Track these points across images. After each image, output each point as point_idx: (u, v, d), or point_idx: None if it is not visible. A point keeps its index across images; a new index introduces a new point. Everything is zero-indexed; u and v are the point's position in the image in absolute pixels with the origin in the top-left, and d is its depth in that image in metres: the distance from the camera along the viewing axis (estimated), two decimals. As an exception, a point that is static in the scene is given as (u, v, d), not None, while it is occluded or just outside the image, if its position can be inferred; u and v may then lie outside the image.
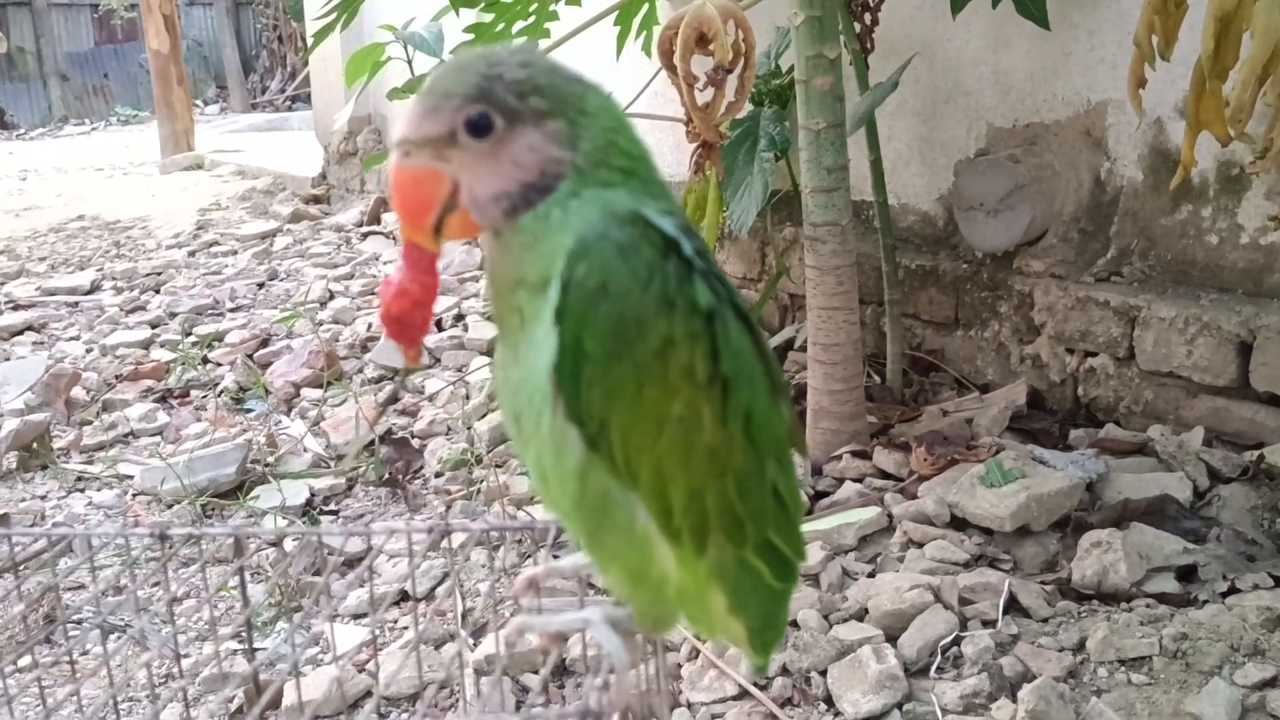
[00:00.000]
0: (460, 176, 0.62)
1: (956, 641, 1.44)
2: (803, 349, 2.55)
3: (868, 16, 2.31)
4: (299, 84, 13.77)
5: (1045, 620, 1.49)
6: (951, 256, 2.42)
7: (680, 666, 1.51)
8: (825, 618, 1.55)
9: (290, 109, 13.16)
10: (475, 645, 1.65)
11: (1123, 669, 1.35)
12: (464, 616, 1.74)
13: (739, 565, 0.67)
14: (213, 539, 1.93)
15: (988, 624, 1.47)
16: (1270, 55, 1.50)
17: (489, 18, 2.62)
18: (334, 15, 2.47)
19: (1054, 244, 2.21)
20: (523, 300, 0.64)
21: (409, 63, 4.27)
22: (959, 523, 1.74)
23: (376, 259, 4.13)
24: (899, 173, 2.48)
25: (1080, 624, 1.45)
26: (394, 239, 4.52)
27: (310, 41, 2.55)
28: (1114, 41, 2.07)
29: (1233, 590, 1.50)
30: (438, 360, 2.94)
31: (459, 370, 2.85)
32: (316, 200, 5.47)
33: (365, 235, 4.55)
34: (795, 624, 1.55)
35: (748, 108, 2.27)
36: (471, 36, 2.63)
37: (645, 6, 2.95)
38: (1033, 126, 2.25)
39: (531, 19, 2.70)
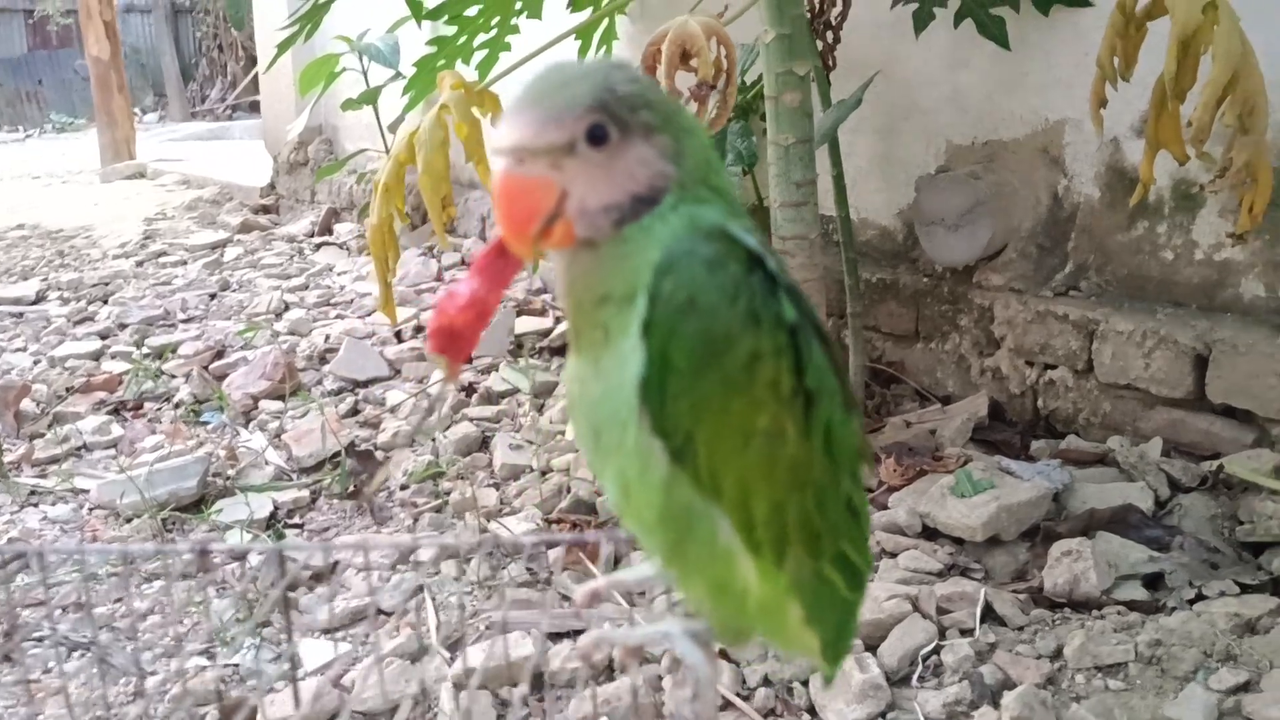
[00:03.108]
0: (572, 186, 0.62)
1: (936, 650, 1.46)
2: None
3: (830, 35, 2.35)
4: (240, 93, 13.61)
5: (1021, 628, 1.51)
6: (911, 270, 2.46)
7: (661, 679, 1.52)
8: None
9: (231, 118, 12.99)
10: (452, 660, 1.64)
11: (1100, 675, 1.38)
12: (438, 630, 1.73)
13: (815, 577, 0.68)
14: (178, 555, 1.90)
15: (965, 633, 1.50)
16: (1230, 77, 1.55)
17: (451, 30, 2.62)
18: (297, 26, 2.44)
19: (1013, 259, 2.25)
20: (609, 314, 0.64)
21: (364, 74, 4.26)
22: (930, 533, 1.76)
23: (330, 270, 4.09)
24: (859, 188, 2.51)
25: (1055, 631, 1.48)
26: (346, 249, 4.48)
27: (275, 52, 2.52)
28: (1070, 62, 2.12)
29: (1200, 597, 1.54)
30: (398, 372, 2.92)
31: (420, 382, 2.83)
32: (266, 210, 5.40)
33: (318, 246, 4.51)
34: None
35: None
36: (434, 49, 2.63)
37: (605, 23, 2.97)
38: (991, 144, 2.29)
39: (493, 32, 2.69)
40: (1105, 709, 1.31)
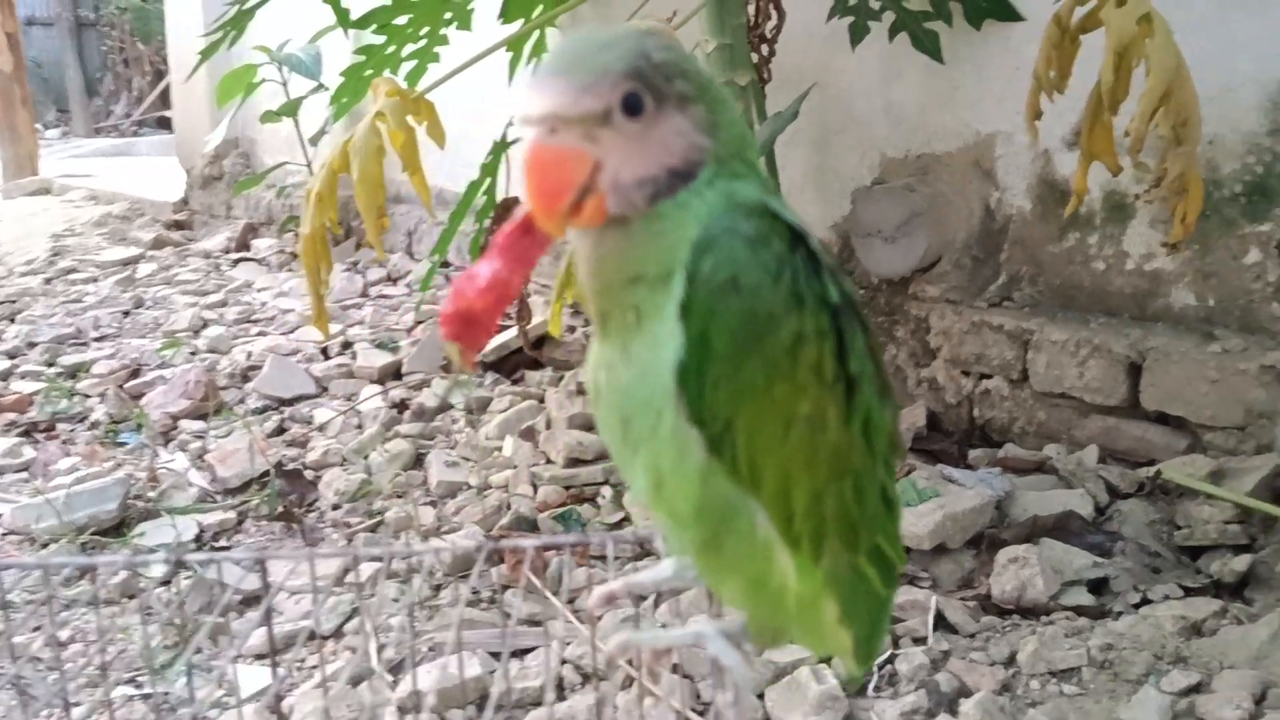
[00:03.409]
0: (607, 158, 0.59)
1: (891, 659, 1.45)
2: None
3: (765, 47, 2.35)
4: (147, 108, 13.25)
5: (973, 636, 1.51)
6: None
7: (615, 695, 1.49)
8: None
9: (137, 134, 12.63)
10: (395, 682, 1.59)
11: (1054, 681, 1.38)
12: (380, 652, 1.67)
13: (852, 572, 0.65)
14: (100, 576, 1.82)
15: (918, 641, 1.49)
16: (1165, 89, 1.58)
17: (380, 40, 2.57)
18: (220, 33, 2.38)
19: (948, 270, 2.28)
20: (641, 296, 0.61)
21: (284, 85, 4.17)
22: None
23: (250, 286, 3.98)
24: (794, 200, 2.52)
25: (1007, 638, 1.49)
26: (266, 265, 4.37)
27: (194, 61, 2.45)
28: (1002, 76, 2.15)
29: (1145, 601, 1.56)
30: (325, 389, 2.85)
31: (349, 399, 2.76)
32: (179, 226, 5.25)
33: (236, 262, 4.39)
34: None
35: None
36: (363, 59, 2.58)
37: (536, 35, 2.95)
38: (924, 157, 2.32)
39: (422, 42, 2.66)
40: (1061, 714, 1.32)
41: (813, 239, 0.62)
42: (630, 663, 1.54)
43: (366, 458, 2.38)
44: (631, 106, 0.58)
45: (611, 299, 0.62)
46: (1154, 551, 1.70)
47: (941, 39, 2.17)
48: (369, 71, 2.60)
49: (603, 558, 1.90)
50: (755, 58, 2.28)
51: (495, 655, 1.62)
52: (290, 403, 2.76)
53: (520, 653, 1.62)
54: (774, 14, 2.26)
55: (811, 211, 2.53)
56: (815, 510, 0.63)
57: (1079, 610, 1.55)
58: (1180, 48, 1.57)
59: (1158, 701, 1.28)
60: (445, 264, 3.93)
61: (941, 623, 1.54)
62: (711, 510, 0.63)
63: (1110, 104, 1.67)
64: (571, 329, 2.99)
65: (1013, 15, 2.08)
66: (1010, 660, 1.44)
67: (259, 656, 1.72)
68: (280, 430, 2.59)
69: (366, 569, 1.90)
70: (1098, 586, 1.63)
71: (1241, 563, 1.59)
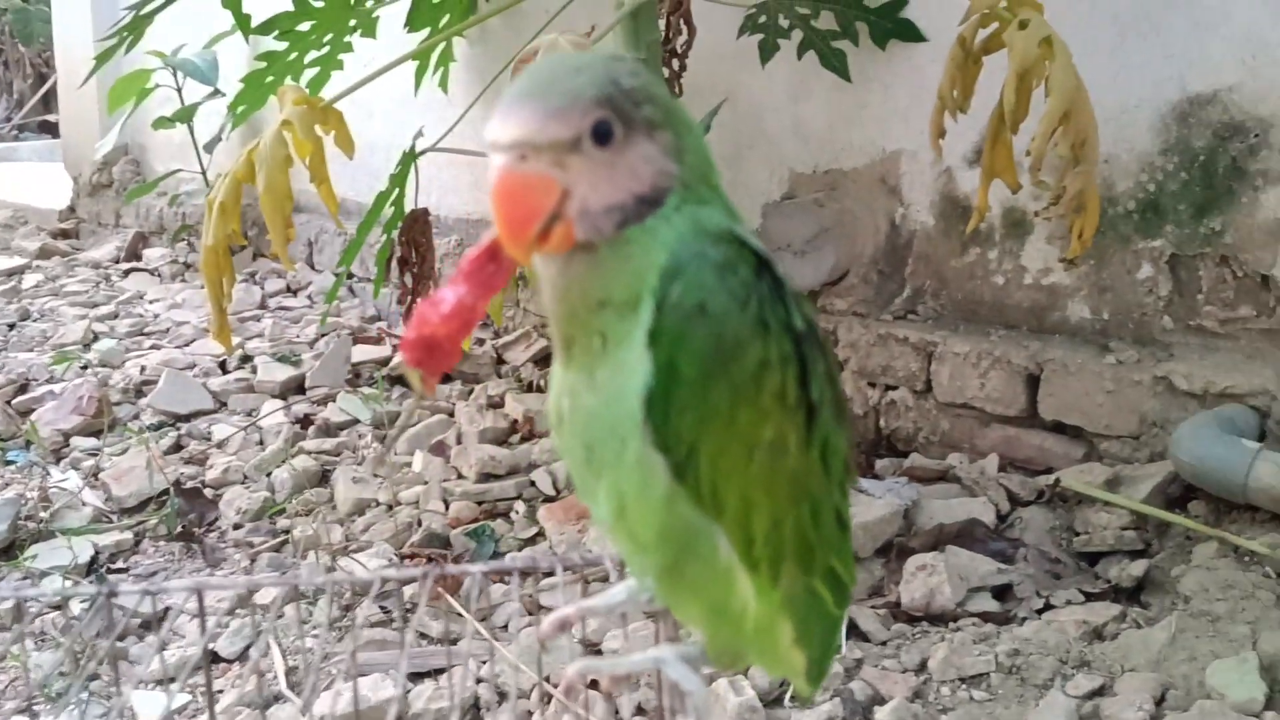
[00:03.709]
0: (575, 185, 0.58)
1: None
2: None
3: (676, 63, 2.37)
4: (28, 112, 12.76)
5: (884, 643, 1.54)
6: (757, 296, 2.49)
7: (530, 715, 1.47)
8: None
9: (18, 139, 12.15)
10: (305, 707, 1.55)
11: (964, 687, 1.41)
12: (287, 675, 1.63)
13: (807, 594, 0.66)
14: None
15: (833, 650, 1.51)
16: (1065, 110, 1.64)
17: (282, 46, 2.53)
18: (117, 38, 2.30)
19: (855, 284, 2.32)
20: (608, 321, 0.60)
21: (179, 91, 4.06)
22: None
23: (142, 298, 3.86)
24: (705, 214, 2.54)
25: (918, 645, 1.52)
26: (158, 275, 4.24)
27: (89, 65, 2.36)
28: (907, 94, 2.21)
29: (1048, 606, 1.60)
30: (224, 404, 2.77)
31: (249, 414, 2.69)
32: (66, 235, 5.06)
33: (127, 273, 4.24)
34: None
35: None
36: (264, 65, 2.53)
37: (442, 44, 2.93)
38: (832, 173, 2.36)
39: (326, 49, 2.62)
40: (972, 719, 1.34)
41: (777, 266, 0.62)
42: (548, 679, 1.53)
43: (268, 475, 2.32)
44: (601, 134, 0.58)
45: (577, 324, 0.62)
46: (1054, 558, 1.75)
47: (848, 58, 2.21)
48: (270, 78, 2.55)
49: (520, 573, 1.88)
50: (666, 73, 2.30)
51: (412, 676, 1.59)
52: (187, 418, 2.67)
53: (436, 673, 1.60)
54: (685, 30, 2.27)
55: (720, 225, 2.56)
56: (775, 534, 0.63)
57: (985, 616, 1.59)
58: (1079, 70, 1.62)
59: (1064, 705, 1.31)
60: (350, 275, 3.87)
61: (853, 630, 1.56)
62: (675, 535, 0.63)
63: (1011, 124, 1.72)
64: (480, 341, 2.97)
65: (917, 36, 2.14)
66: (921, 667, 1.47)
67: (159, 682, 1.67)
68: (177, 447, 2.51)
69: (273, 590, 1.86)
70: (1002, 593, 1.68)
71: (1138, 568, 1.65)
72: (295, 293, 3.85)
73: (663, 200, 0.61)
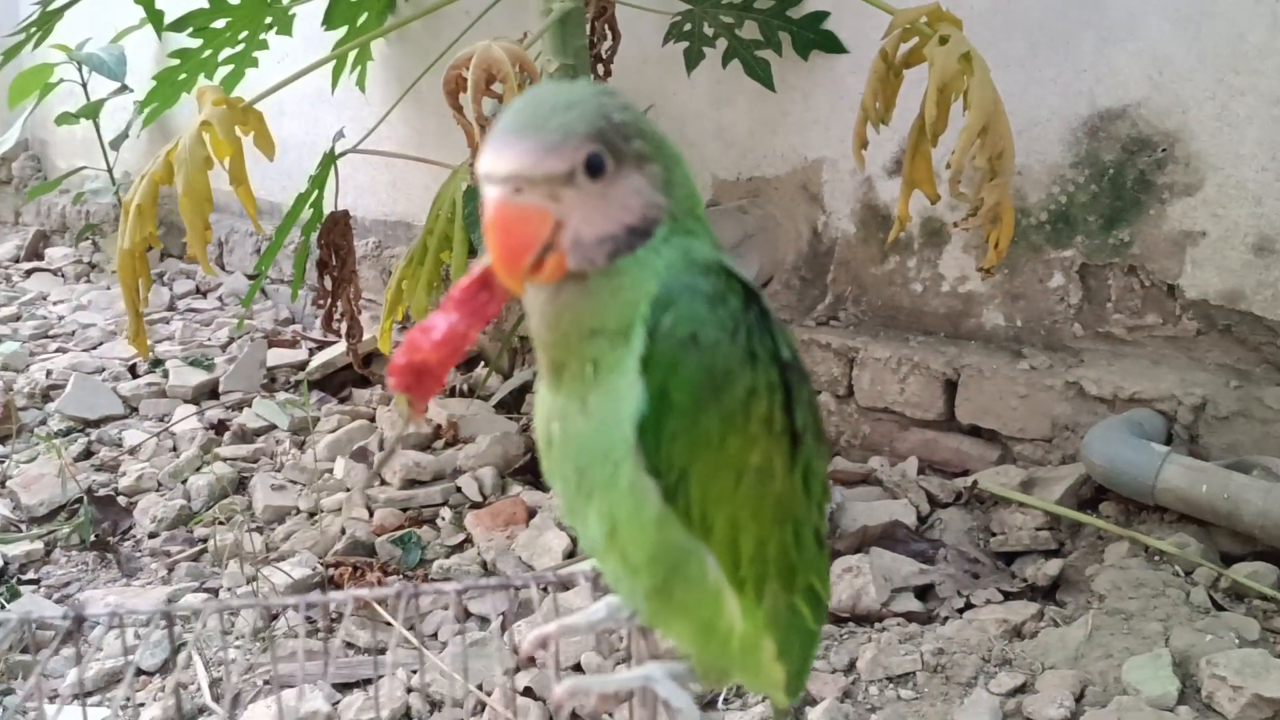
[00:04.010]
0: (569, 217, 0.59)
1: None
2: (539, 392, 2.56)
3: (600, 68, 2.38)
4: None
5: (814, 645, 1.56)
6: (681, 301, 2.51)
7: (464, 722, 1.47)
8: (605, 658, 1.56)
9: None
10: (231, 718, 1.52)
11: (891, 686, 1.44)
12: (211, 688, 1.60)
13: (788, 611, 0.67)
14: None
15: (764, 653, 1.53)
16: (984, 125, 1.69)
17: (195, 43, 2.48)
18: (24, 34, 2.23)
19: (779, 290, 2.35)
20: (599, 349, 0.61)
21: (84, 86, 3.93)
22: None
23: (45, 299, 3.73)
24: (628, 219, 2.55)
25: (846, 645, 1.55)
26: (61, 276, 4.10)
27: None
28: (827, 104, 2.25)
29: (969, 606, 1.65)
30: (135, 410, 2.70)
31: (161, 420, 2.63)
32: (-41, 233, 4.87)
33: (28, 273, 4.10)
34: (578, 667, 1.54)
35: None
36: (177, 62, 2.48)
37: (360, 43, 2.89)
38: (755, 180, 2.39)
39: (241, 46, 2.57)
40: (900, 718, 1.38)
41: (764, 296, 0.64)
42: (480, 686, 1.53)
43: (184, 482, 2.26)
44: (594, 167, 0.59)
45: (568, 351, 0.62)
46: (973, 558, 1.80)
47: (772, 68, 2.24)
48: (183, 76, 2.50)
49: (445, 581, 1.87)
50: (591, 78, 2.31)
51: (340, 687, 1.57)
52: (97, 424, 2.59)
53: (365, 683, 1.58)
54: (609, 35, 2.28)
55: (644, 230, 2.57)
56: (760, 555, 0.65)
57: (909, 616, 1.63)
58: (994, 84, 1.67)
59: (989, 703, 1.35)
60: (255, 277, 3.79)
61: (784, 634, 1.59)
62: (665, 557, 0.64)
63: (932, 136, 1.76)
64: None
65: (838, 47, 2.18)
66: (850, 667, 1.50)
67: (77, 696, 1.62)
68: (88, 454, 2.43)
69: (193, 600, 1.82)
70: (924, 593, 1.72)
71: (1053, 567, 1.70)
72: (205, 294, 3.76)
73: (652, 231, 0.62)
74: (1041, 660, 1.44)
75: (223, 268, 3.87)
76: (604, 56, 2.32)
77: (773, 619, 0.68)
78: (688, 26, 2.24)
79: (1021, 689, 1.39)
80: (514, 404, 2.58)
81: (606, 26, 2.29)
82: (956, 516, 1.91)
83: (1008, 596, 1.67)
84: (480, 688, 1.52)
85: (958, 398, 2.09)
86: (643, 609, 0.68)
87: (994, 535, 1.85)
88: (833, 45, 2.18)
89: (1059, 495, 1.85)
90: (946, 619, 1.63)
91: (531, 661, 1.60)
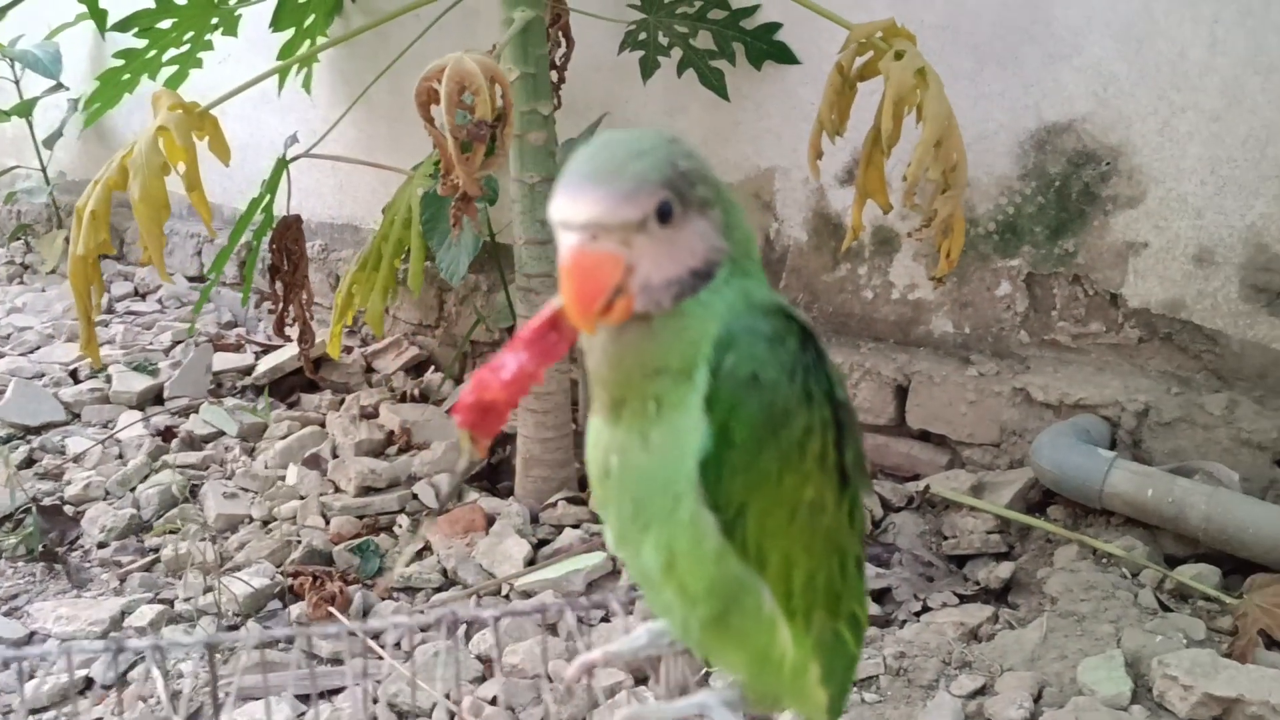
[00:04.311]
0: (640, 261, 0.60)
1: (706, 678, 1.50)
2: (494, 397, 2.56)
3: (555, 75, 2.38)
4: None
5: (777, 650, 1.59)
6: (634, 306, 2.53)
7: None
8: (566, 660, 1.57)
9: None
10: (194, 733, 1.50)
11: (856, 689, 1.47)
12: (172, 701, 1.58)
13: (833, 637, 0.69)
14: None
15: (728, 659, 1.56)
16: (939, 139, 1.73)
17: (141, 43, 2.44)
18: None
19: (731, 296, 2.38)
20: (662, 387, 0.63)
21: (16, 83, 3.84)
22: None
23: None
24: (581, 225, 2.56)
25: (809, 651, 1.57)
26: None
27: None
28: (779, 114, 2.28)
29: (925, 609, 1.69)
30: (77, 416, 2.64)
31: (106, 426, 2.58)
32: (-118, 232, 4.71)
33: (-44, 277, 3.99)
34: (547, 676, 1.55)
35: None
36: (121, 62, 2.44)
37: (307, 44, 2.87)
38: (707, 187, 2.41)
39: (186, 47, 2.54)
40: (864, 721, 1.41)
41: (819, 338, 0.66)
42: (448, 696, 1.53)
43: (133, 490, 2.23)
44: (664, 214, 0.60)
45: (630, 388, 0.64)
46: (927, 561, 1.84)
47: (725, 77, 2.27)
48: (127, 76, 2.47)
49: (406, 589, 1.87)
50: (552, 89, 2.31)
51: (303, 698, 1.56)
52: (38, 431, 2.54)
53: (329, 693, 1.57)
54: (564, 43, 2.29)
55: (597, 236, 2.58)
56: (811, 585, 0.68)
57: (869, 620, 1.66)
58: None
59: (951, 705, 1.39)
60: (201, 279, 3.74)
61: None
62: (723, 588, 0.66)
63: (887, 148, 1.80)
64: (349, 349, 2.92)
65: (790, 58, 2.21)
66: (814, 672, 1.53)
67: (33, 711, 1.59)
68: (30, 461, 2.38)
69: (148, 611, 1.79)
70: (881, 596, 1.76)
71: (1005, 570, 1.75)
72: (144, 296, 3.69)
73: (713, 273, 0.64)
74: (1000, 662, 1.49)
75: (148, 264, 3.79)
76: (558, 64, 2.32)
77: (819, 645, 0.70)
78: (643, 35, 2.26)
79: (981, 691, 1.43)
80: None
81: (561, 34, 2.30)
82: (909, 521, 1.95)
83: (963, 599, 1.71)
84: (448, 696, 1.52)
85: (908, 403, 2.14)
86: (695, 638, 0.70)
87: (946, 539, 1.90)
88: (785, 56, 2.21)
89: (1008, 499, 1.90)
90: (905, 622, 1.66)
91: (490, 673, 1.61)
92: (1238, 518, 1.63)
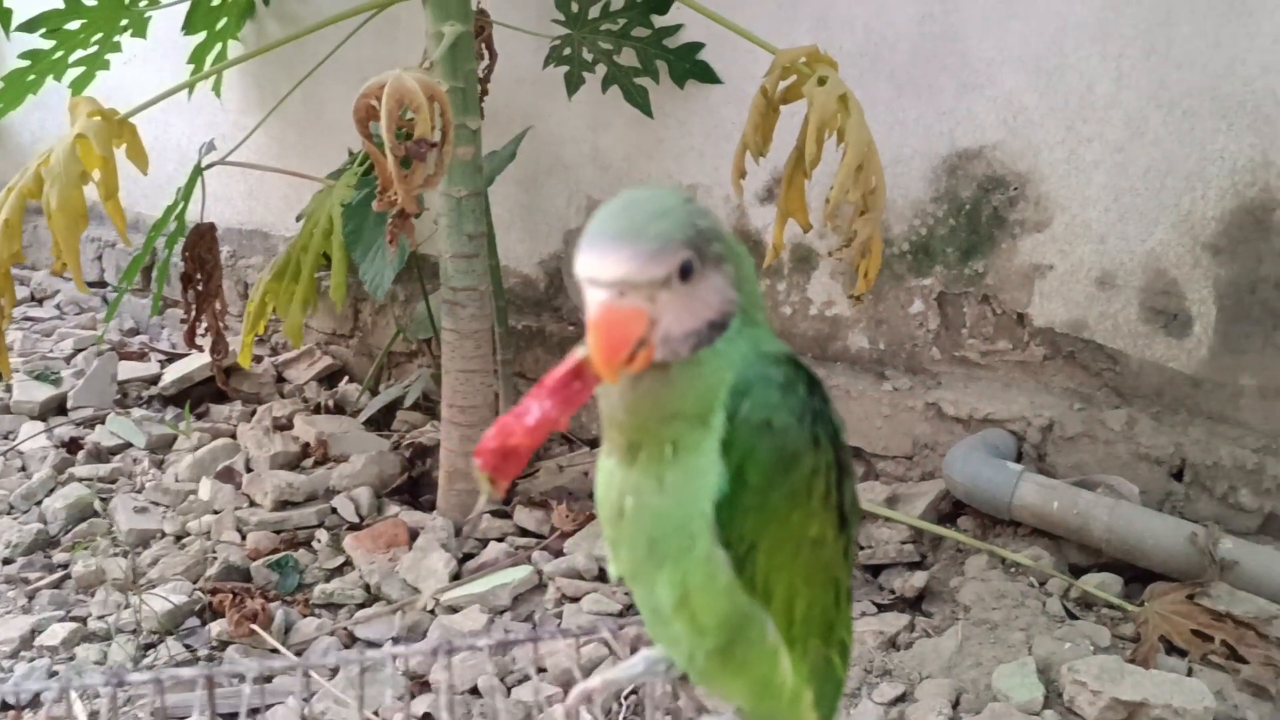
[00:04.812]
0: (662, 315, 0.63)
1: (635, 690, 1.53)
2: (414, 408, 2.55)
3: (478, 87, 2.39)
4: None
5: (704, 661, 1.62)
6: (555, 318, 2.55)
7: (362, 749, 1.46)
8: (502, 680, 1.58)
9: None
10: (114, 756, 1.47)
11: (782, 699, 1.51)
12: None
13: (825, 663, 0.72)
14: None
15: (658, 671, 1.58)
16: (860, 163, 1.78)
17: (48, 44, 2.38)
18: None
19: (651, 310, 2.41)
20: (679, 431, 0.66)
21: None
22: (606, 575, 1.84)
23: None
24: (502, 237, 2.56)
25: (736, 662, 1.61)
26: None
27: None
28: (702, 132, 2.32)
29: (846, 618, 1.74)
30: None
31: (6, 438, 2.49)
32: None
33: None
34: (477, 692, 1.56)
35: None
36: (27, 63, 2.38)
37: (219, 47, 2.82)
38: (628, 202, 2.44)
39: (94, 48, 2.49)
40: (791, 730, 1.45)
41: (823, 384, 0.70)
42: (376, 713, 1.53)
43: (39, 504, 2.16)
44: (686, 271, 0.64)
45: (646, 433, 0.67)
46: (847, 572, 1.89)
47: (649, 94, 2.30)
48: (32, 77, 2.41)
49: (328, 606, 1.85)
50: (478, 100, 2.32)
51: (227, 717, 1.54)
52: (-67, 444, 2.45)
53: (252, 712, 1.55)
54: (486, 55, 2.30)
55: (519, 249, 2.60)
56: (809, 616, 0.72)
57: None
58: (866, 125, 1.77)
59: (874, 713, 1.44)
60: (101, 285, 3.63)
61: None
62: (732, 621, 0.69)
63: (808, 170, 1.85)
64: (259, 359, 2.87)
65: (713, 78, 2.25)
66: (741, 683, 1.56)
67: (-61, 739, 1.54)
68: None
69: (60, 630, 1.74)
70: (802, 607, 1.80)
71: (919, 579, 1.81)
72: (40, 302, 3.58)
73: (727, 324, 0.67)
74: (919, 670, 1.54)
75: (61, 275, 3.68)
76: (481, 76, 2.33)
77: (813, 672, 0.75)
78: (567, 51, 2.28)
79: (902, 698, 1.48)
80: (383, 421, 2.56)
81: (484, 46, 2.31)
82: (827, 532, 2.00)
83: (880, 608, 1.77)
84: (376, 714, 1.52)
85: (825, 417, 2.19)
86: (699, 666, 0.73)
87: (862, 549, 1.95)
88: (708, 75, 2.25)
89: (921, 510, 1.97)
90: (825, 632, 1.71)
91: (425, 687, 1.61)
92: (1138, 529, 1.72)
